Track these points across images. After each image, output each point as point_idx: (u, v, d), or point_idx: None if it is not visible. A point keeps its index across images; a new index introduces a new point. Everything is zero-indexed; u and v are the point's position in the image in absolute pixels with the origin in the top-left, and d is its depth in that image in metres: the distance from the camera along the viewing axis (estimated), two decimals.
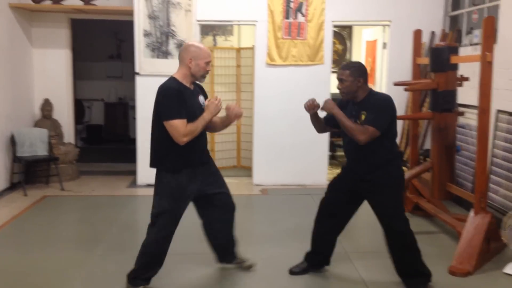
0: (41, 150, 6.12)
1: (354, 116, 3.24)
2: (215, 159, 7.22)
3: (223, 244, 3.63)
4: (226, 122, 3.39)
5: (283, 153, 6.34)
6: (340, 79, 3.24)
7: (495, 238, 3.89)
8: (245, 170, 7.08)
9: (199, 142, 3.25)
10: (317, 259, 3.65)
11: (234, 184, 6.46)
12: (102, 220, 4.92)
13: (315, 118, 3.46)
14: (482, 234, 3.75)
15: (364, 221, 4.28)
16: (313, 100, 3.34)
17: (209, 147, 7.15)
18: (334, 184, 3.51)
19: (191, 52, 3.15)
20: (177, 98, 3.06)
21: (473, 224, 3.85)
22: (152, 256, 3.31)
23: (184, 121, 3.06)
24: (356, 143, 3.18)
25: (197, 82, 3.30)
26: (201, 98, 3.29)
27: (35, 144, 6.08)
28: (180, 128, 3.04)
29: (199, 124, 3.13)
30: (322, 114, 3.41)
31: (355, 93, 3.23)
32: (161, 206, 3.23)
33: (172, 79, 3.17)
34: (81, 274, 3.65)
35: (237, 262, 3.70)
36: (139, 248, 3.32)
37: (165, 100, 3.07)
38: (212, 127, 3.40)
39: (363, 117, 3.19)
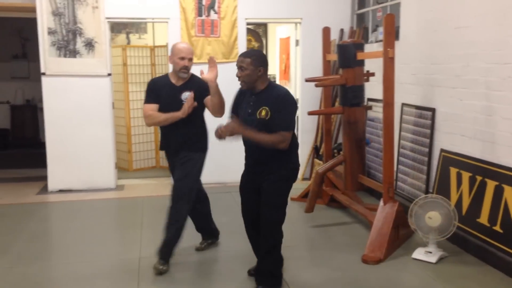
0: None
1: (252, 107, 3.17)
2: (133, 161, 7.07)
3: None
4: (212, 91, 3.47)
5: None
6: (240, 67, 3.14)
7: (404, 225, 4.09)
8: (164, 170, 6.94)
9: (173, 132, 3.65)
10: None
11: (153, 185, 6.34)
12: (8, 230, 4.60)
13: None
14: (391, 222, 3.93)
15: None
16: (220, 130, 3.17)
17: (125, 148, 7.05)
18: (242, 187, 3.42)
19: (171, 51, 3.64)
20: (149, 88, 3.70)
21: (383, 213, 4.03)
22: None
23: (150, 105, 3.62)
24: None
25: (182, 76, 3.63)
26: (184, 94, 3.59)
27: None
28: (144, 111, 3.65)
29: (162, 115, 3.59)
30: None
31: (255, 82, 3.16)
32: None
33: (165, 74, 3.81)
34: None
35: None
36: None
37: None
38: (212, 108, 3.59)
39: (263, 112, 3.12)
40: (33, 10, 5.77)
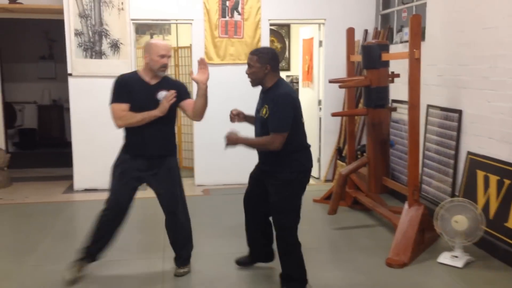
0: None
1: (259, 104, 3.25)
2: None
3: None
4: (200, 93, 3.36)
5: (223, 152, 6.25)
6: (248, 64, 3.19)
7: (429, 229, 4.03)
8: (187, 171, 6.98)
9: (143, 134, 3.37)
10: (256, 252, 3.68)
11: None
12: (36, 229, 4.69)
13: (249, 121, 3.43)
14: (416, 226, 3.88)
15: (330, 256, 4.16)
16: (236, 112, 3.34)
17: None
18: (251, 175, 3.50)
19: (146, 48, 3.39)
20: (119, 86, 3.37)
21: (407, 216, 3.98)
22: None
23: (120, 105, 3.32)
24: (261, 135, 3.18)
25: (160, 74, 3.42)
26: (160, 93, 3.37)
27: None
28: (114, 112, 3.34)
29: (139, 115, 3.31)
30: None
31: (262, 80, 3.17)
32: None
33: (133, 71, 3.60)
34: (13, 285, 3.46)
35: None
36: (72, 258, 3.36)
37: (112, 87, 3.39)
38: (194, 110, 3.44)
39: (264, 111, 3.13)
40: (60, 11, 5.87)
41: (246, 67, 3.24)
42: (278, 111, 3.06)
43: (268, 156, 3.22)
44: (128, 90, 3.35)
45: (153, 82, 3.40)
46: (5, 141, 6.75)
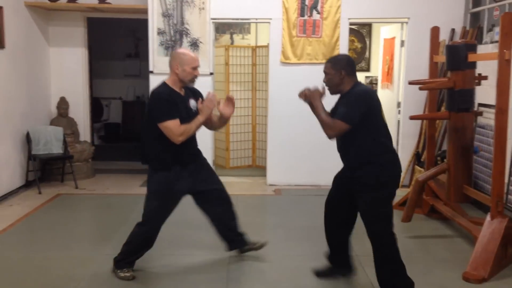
0: (56, 148, 6.15)
1: (335, 108, 3.20)
2: (230, 158, 7.22)
3: (228, 235, 3.82)
4: (222, 120, 3.62)
5: (297, 153, 6.25)
6: (324, 73, 3.17)
7: None
8: (260, 169, 7.01)
9: (188, 141, 3.37)
10: (335, 259, 3.49)
11: (248, 184, 6.42)
12: (113, 219, 4.91)
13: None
14: (498, 239, 3.60)
15: None
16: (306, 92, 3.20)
17: (223, 146, 7.22)
18: (335, 179, 3.40)
19: (177, 59, 3.36)
20: (167, 102, 3.27)
21: (489, 228, 3.70)
22: (138, 245, 3.59)
23: (176, 121, 3.27)
24: (342, 138, 3.10)
25: (190, 85, 3.48)
26: (192, 101, 3.46)
27: (51, 142, 6.12)
28: (173, 128, 3.26)
29: (193, 125, 3.34)
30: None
31: (339, 86, 3.12)
32: (151, 205, 3.48)
33: (162, 85, 3.40)
34: (87, 273, 3.63)
35: (249, 248, 3.85)
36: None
37: (157, 104, 3.29)
38: (210, 124, 3.64)
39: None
40: (145, 11, 6.11)
41: (322, 66, 3.21)
42: (348, 101, 3.03)
43: (351, 160, 3.15)
44: (174, 103, 3.31)
45: (182, 92, 3.44)
46: (91, 134, 7.15)
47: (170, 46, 6.14)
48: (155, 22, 6.11)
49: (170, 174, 3.40)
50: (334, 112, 3.16)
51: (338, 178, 3.37)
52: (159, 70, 6.15)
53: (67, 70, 6.71)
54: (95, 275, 3.60)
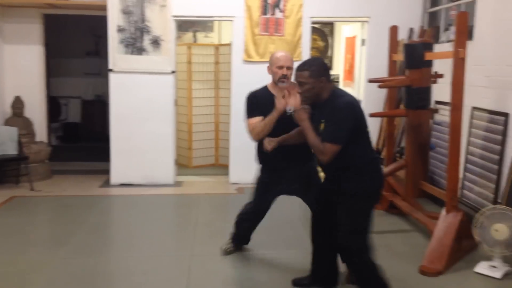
0: (11, 149, 5.94)
1: (314, 121, 2.90)
2: (193, 158, 7.15)
3: None
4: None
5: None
6: (299, 82, 2.83)
7: (468, 237, 3.82)
8: (223, 168, 6.97)
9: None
10: (319, 276, 3.29)
11: (211, 183, 6.38)
12: (70, 221, 4.77)
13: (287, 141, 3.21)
14: (453, 233, 3.69)
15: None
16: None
17: (186, 145, 7.14)
18: (316, 195, 3.21)
19: (270, 61, 3.53)
20: (251, 102, 3.52)
21: (445, 222, 3.78)
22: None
23: (253, 119, 3.45)
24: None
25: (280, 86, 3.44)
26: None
27: (5, 143, 5.90)
28: (249, 126, 3.50)
29: (266, 121, 3.33)
30: None
31: (319, 95, 2.82)
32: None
33: (263, 87, 3.61)
34: (42, 278, 3.52)
35: None
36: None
37: (245, 103, 3.58)
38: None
39: (322, 126, 2.82)
40: (104, 8, 5.97)
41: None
42: (334, 120, 2.76)
43: (336, 172, 2.90)
44: (259, 105, 3.44)
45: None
46: (47, 134, 6.94)
47: (131, 44, 6.03)
48: (115, 19, 5.99)
49: (263, 173, 3.70)
50: (315, 121, 2.90)
51: (319, 193, 3.17)
52: (119, 69, 6.04)
53: (22, 68, 6.48)
54: (50, 280, 3.49)
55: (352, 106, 2.81)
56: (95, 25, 9.10)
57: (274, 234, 4.39)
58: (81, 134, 9.60)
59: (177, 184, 6.26)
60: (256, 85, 6.06)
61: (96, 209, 5.22)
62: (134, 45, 6.04)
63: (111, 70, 6.06)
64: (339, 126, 2.76)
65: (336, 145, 2.74)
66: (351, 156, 2.83)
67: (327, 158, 2.77)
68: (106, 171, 6.34)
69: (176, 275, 3.58)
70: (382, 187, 3.07)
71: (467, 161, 4.77)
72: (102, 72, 9.51)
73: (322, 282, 3.29)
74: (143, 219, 4.88)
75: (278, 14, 6.10)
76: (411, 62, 4.37)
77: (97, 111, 9.57)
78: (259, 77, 5.94)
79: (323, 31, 8.65)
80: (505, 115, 4.28)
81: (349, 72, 6.90)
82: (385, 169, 4.78)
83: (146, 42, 6.04)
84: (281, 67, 3.40)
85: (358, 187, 2.86)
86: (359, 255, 2.92)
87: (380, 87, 4.55)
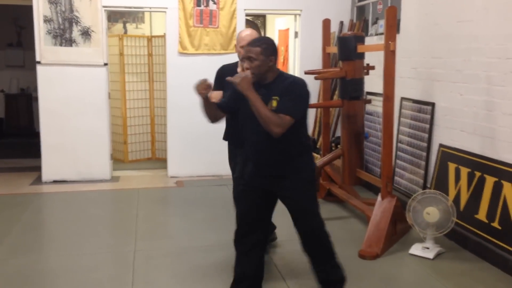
0: None
1: (265, 99, 2.77)
2: (129, 152, 7.01)
3: None
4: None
5: (197, 143, 6.22)
6: (248, 58, 2.77)
7: (402, 220, 4.05)
8: (161, 162, 6.89)
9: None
10: (246, 284, 3.04)
11: (149, 177, 6.28)
12: (1, 221, 4.54)
13: (207, 104, 2.91)
14: (389, 217, 3.89)
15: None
16: (205, 80, 2.81)
17: (121, 139, 6.98)
18: (243, 189, 3.02)
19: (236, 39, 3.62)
20: (216, 74, 3.72)
21: (380, 208, 3.99)
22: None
23: (212, 93, 3.36)
24: (265, 133, 2.73)
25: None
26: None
27: None
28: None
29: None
30: None
31: (265, 74, 2.79)
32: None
33: (236, 61, 3.69)
34: None
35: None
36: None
37: None
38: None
39: (274, 103, 2.75)
40: None
41: (220, 56, 3.09)
42: (294, 94, 2.75)
43: (282, 157, 2.84)
44: (220, 77, 3.59)
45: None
46: None
47: (59, 35, 5.78)
48: (40, 9, 5.71)
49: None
50: (224, 104, 2.93)
51: (247, 185, 2.98)
52: (48, 61, 5.78)
53: None
54: None
55: (306, 85, 2.84)
56: (17, 15, 8.67)
57: (218, 225, 4.41)
58: (5, 130, 9.10)
59: (114, 179, 6.11)
60: (192, 78, 6.04)
61: (29, 207, 4.99)
62: (62, 36, 5.79)
63: (39, 62, 5.78)
64: (299, 100, 2.78)
65: (293, 118, 2.72)
66: (298, 138, 2.86)
67: (282, 130, 2.70)
68: (37, 168, 6.07)
69: (120, 272, 3.52)
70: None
71: (398, 149, 5.04)
72: (26, 64, 9.06)
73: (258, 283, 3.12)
74: (80, 216, 4.74)
75: (212, 6, 6.09)
76: (344, 54, 4.52)
77: (22, 105, 9.12)
78: (195, 69, 6.00)
79: (256, 24, 8.73)
80: (432, 104, 4.55)
81: (284, 64, 7.02)
82: (323, 158, 4.94)
83: (76, 33, 5.82)
84: (242, 47, 3.27)
85: (311, 169, 2.93)
86: (324, 233, 3.03)
87: (316, 78, 4.68)
